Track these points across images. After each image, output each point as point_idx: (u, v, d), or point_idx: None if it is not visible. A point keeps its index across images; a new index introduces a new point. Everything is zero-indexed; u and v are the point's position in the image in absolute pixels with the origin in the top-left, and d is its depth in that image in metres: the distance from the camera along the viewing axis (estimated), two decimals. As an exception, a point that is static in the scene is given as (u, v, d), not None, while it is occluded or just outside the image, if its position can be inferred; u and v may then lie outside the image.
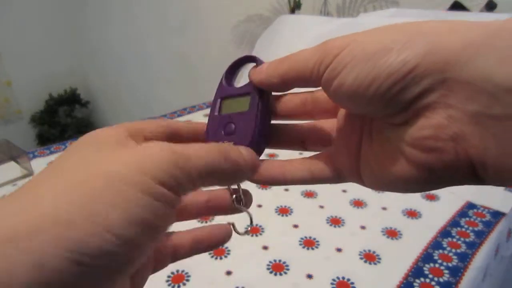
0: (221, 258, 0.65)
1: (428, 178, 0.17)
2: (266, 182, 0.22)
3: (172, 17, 1.99)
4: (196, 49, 1.95)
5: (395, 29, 0.17)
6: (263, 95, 0.22)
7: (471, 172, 0.16)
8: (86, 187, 0.14)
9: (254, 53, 1.48)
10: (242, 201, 0.23)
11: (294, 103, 0.23)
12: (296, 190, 0.85)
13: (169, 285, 0.60)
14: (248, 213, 0.23)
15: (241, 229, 0.24)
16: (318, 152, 0.24)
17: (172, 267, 0.63)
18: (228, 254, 0.66)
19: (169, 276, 0.61)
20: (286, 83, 0.21)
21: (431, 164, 0.17)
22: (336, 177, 0.22)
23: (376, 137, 0.20)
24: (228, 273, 0.62)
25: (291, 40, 1.27)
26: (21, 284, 0.12)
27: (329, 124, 0.24)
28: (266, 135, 0.23)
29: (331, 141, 0.23)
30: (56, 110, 2.62)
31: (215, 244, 0.24)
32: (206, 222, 0.71)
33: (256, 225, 0.73)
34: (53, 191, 0.14)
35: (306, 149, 0.24)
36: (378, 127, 0.20)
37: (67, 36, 2.67)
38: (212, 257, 0.66)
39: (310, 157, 0.23)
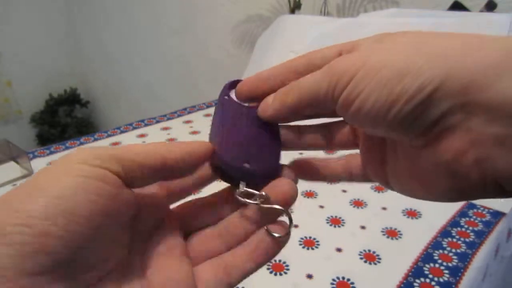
0: (221, 258, 0.65)
1: (457, 195, 0.17)
2: (311, 180, 0.24)
3: (172, 17, 1.99)
4: (196, 49, 1.95)
5: (407, 48, 0.17)
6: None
7: (500, 189, 0.16)
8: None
9: (254, 54, 1.49)
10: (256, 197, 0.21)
11: (312, 134, 0.23)
12: (296, 190, 0.85)
13: (169, 285, 0.60)
14: (285, 212, 0.21)
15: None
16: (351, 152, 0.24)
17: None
18: (228, 254, 0.66)
19: (169, 276, 0.61)
20: (297, 113, 0.21)
21: (458, 185, 0.17)
22: (368, 179, 0.23)
23: (401, 154, 0.20)
24: (228, 273, 0.62)
25: (291, 40, 1.27)
26: None
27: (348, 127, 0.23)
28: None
29: (357, 143, 0.23)
30: (56, 110, 2.62)
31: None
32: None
33: (256, 225, 0.73)
34: None
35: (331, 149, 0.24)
36: (402, 146, 0.19)
37: (67, 36, 2.68)
38: (212, 257, 0.66)
39: (349, 158, 0.24)
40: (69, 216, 0.15)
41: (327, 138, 0.23)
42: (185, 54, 2.01)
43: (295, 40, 1.25)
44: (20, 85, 2.47)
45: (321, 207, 0.80)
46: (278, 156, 0.22)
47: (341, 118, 0.23)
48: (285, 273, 0.62)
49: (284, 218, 0.22)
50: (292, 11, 1.46)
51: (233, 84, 0.25)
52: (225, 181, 0.23)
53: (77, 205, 0.15)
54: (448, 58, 0.15)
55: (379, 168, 0.21)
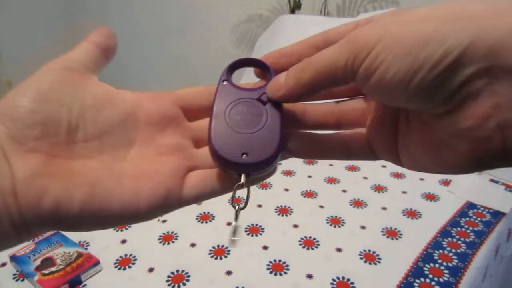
0: (221, 258, 0.65)
1: (475, 165, 0.17)
2: (304, 157, 0.22)
3: (172, 17, 1.99)
4: (196, 49, 1.95)
5: (431, 16, 0.17)
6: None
7: None
8: None
9: (254, 54, 1.48)
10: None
11: (321, 112, 0.23)
12: (296, 190, 0.85)
13: (169, 285, 0.60)
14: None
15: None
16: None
17: (172, 267, 0.63)
18: (228, 254, 0.66)
19: (169, 276, 0.61)
20: (313, 91, 0.20)
21: (478, 153, 0.16)
22: (372, 155, 0.22)
23: (414, 124, 0.19)
24: (228, 273, 0.62)
25: (291, 40, 1.25)
26: None
27: (362, 105, 0.23)
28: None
29: (365, 122, 0.23)
30: (56, 110, 2.61)
31: None
32: (206, 221, 0.71)
33: (256, 225, 0.73)
34: None
35: (340, 129, 0.24)
36: (416, 115, 0.19)
37: (67, 36, 2.68)
38: (212, 257, 0.66)
39: (347, 134, 0.23)
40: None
41: (336, 116, 0.23)
42: (185, 54, 2.01)
43: (295, 40, 1.25)
44: (20, 85, 2.47)
45: (321, 207, 0.80)
46: (281, 143, 0.21)
47: (352, 97, 0.23)
48: (285, 273, 0.62)
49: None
50: (292, 11, 1.46)
51: (233, 67, 0.24)
52: (225, 171, 0.21)
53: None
54: (473, 21, 0.15)
55: (389, 143, 0.21)
